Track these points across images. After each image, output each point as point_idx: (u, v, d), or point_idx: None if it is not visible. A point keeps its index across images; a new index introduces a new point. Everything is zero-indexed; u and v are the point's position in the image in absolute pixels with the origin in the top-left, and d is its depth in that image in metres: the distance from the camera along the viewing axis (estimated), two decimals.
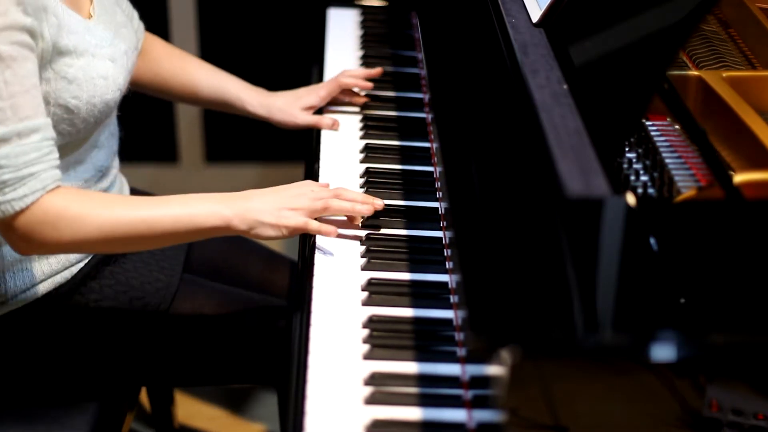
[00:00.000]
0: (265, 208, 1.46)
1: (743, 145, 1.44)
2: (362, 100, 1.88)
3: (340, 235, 1.54)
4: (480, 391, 1.23)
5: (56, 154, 1.40)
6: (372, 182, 1.67)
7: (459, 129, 1.47)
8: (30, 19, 1.36)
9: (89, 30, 1.50)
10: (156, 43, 1.85)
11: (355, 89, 1.87)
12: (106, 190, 1.64)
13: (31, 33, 1.37)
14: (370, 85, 1.88)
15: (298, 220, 1.47)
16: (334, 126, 1.82)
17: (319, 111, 1.87)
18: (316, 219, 1.50)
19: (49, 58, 1.41)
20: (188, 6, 2.94)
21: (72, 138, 1.51)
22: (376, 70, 1.89)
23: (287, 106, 1.84)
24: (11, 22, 1.34)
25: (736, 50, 1.72)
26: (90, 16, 1.54)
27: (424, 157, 1.75)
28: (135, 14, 1.77)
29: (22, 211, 1.37)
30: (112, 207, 1.42)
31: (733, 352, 1.08)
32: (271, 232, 1.46)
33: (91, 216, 1.40)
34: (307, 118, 1.83)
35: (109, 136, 1.64)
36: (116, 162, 1.69)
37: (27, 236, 1.39)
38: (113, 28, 1.57)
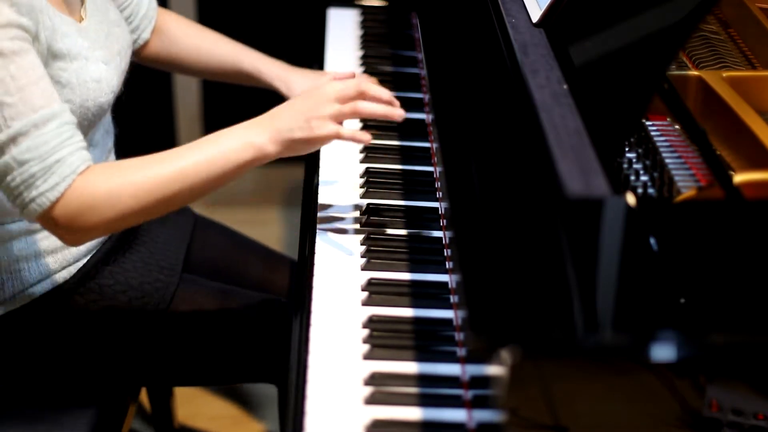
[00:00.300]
0: (294, 123, 1.42)
1: (743, 145, 1.44)
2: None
3: (339, 237, 1.54)
4: (480, 391, 1.23)
5: (80, 136, 1.38)
6: (372, 182, 1.67)
7: (459, 129, 1.47)
8: (25, 18, 1.35)
9: (81, 33, 1.49)
10: (172, 20, 1.84)
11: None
12: None
13: (27, 30, 1.36)
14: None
15: (330, 128, 1.42)
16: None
17: None
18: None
19: (44, 61, 1.41)
20: (188, 6, 2.94)
21: None
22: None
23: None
24: (7, 21, 1.33)
25: (736, 50, 1.72)
26: (82, 19, 1.53)
27: (424, 157, 1.75)
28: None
29: (58, 200, 1.35)
30: (141, 169, 1.39)
31: (733, 352, 1.08)
32: (307, 147, 1.43)
33: (124, 186, 1.37)
34: None
35: (104, 134, 1.64)
36: (112, 159, 1.69)
37: (70, 225, 1.37)
38: (105, 28, 1.57)
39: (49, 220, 1.37)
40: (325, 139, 1.43)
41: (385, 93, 1.49)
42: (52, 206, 1.35)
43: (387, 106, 1.48)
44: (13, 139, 1.33)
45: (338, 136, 1.44)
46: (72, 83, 1.45)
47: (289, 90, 1.81)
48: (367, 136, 1.47)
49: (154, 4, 1.81)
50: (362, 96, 1.46)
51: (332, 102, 1.44)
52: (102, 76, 1.50)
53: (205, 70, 1.86)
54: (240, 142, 1.41)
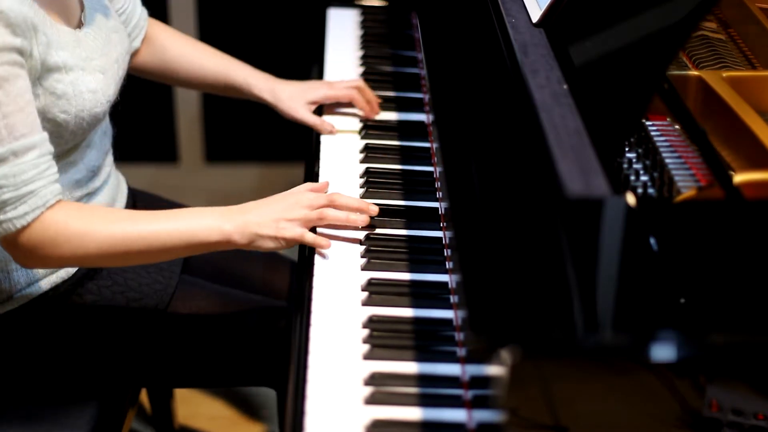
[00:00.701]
0: (263, 220, 1.47)
1: (743, 145, 1.44)
2: (372, 116, 1.87)
3: (339, 237, 1.54)
4: (480, 391, 1.23)
5: (55, 169, 1.41)
6: (372, 182, 1.67)
7: (459, 129, 1.47)
8: (19, 39, 1.36)
9: (79, 43, 1.49)
10: (161, 30, 1.85)
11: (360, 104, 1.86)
12: (98, 188, 1.63)
13: (21, 52, 1.37)
14: (375, 113, 1.86)
15: (295, 231, 1.48)
16: (332, 132, 1.82)
17: (319, 108, 1.87)
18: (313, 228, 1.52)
19: (37, 75, 1.42)
20: (188, 6, 2.94)
21: (59, 148, 1.51)
22: (377, 110, 1.87)
23: (293, 97, 1.84)
24: (2, 44, 1.34)
25: (736, 50, 1.72)
26: (81, 25, 1.53)
27: (424, 157, 1.75)
28: (138, 5, 1.77)
29: (24, 228, 1.38)
30: (111, 223, 1.43)
31: (733, 352, 1.08)
32: (270, 244, 1.48)
33: (91, 232, 1.41)
34: (307, 117, 1.83)
35: (101, 135, 1.64)
36: (109, 160, 1.69)
37: (29, 253, 1.41)
38: (104, 35, 1.57)
39: (9, 243, 1.41)
40: (289, 241, 1.49)
41: (354, 202, 1.55)
42: (16, 233, 1.39)
43: (354, 213, 1.55)
44: None
45: (302, 240, 1.50)
46: (68, 94, 1.46)
47: (276, 99, 1.84)
48: (327, 243, 1.51)
49: (146, 14, 1.81)
50: (331, 204, 1.53)
51: (303, 208, 1.50)
52: (98, 86, 1.51)
53: (195, 81, 1.88)
54: (209, 224, 1.46)
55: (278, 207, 1.49)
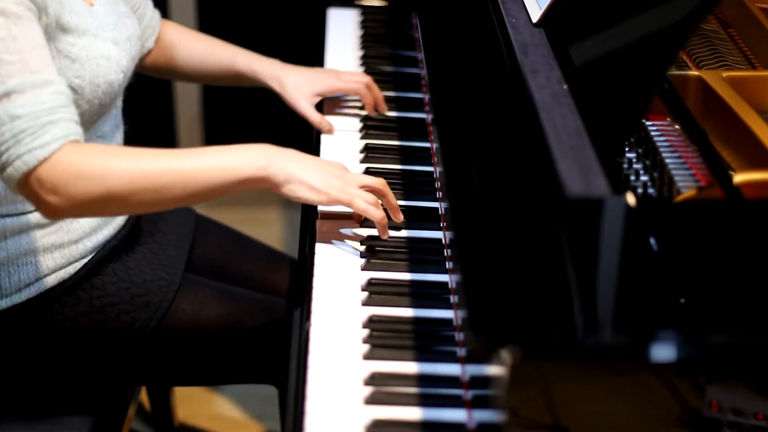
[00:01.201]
0: (303, 168, 1.41)
1: (743, 145, 1.44)
2: (383, 109, 1.87)
3: (339, 236, 1.54)
4: (480, 391, 1.23)
5: (74, 109, 1.36)
6: None
7: (459, 129, 1.47)
8: None
9: (91, 13, 1.50)
10: (169, 28, 1.85)
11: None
12: None
13: (35, 4, 1.36)
14: (383, 110, 1.86)
15: (349, 193, 1.43)
16: (329, 131, 1.82)
17: (320, 104, 1.87)
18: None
19: (52, 34, 1.41)
20: (188, 6, 2.94)
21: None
22: (383, 107, 1.87)
23: (299, 87, 1.81)
24: None
25: (736, 50, 1.72)
26: (92, 5, 1.54)
27: (424, 157, 1.75)
28: (150, 5, 1.77)
29: (46, 160, 1.31)
30: (141, 157, 1.36)
31: (733, 352, 1.08)
32: (308, 194, 1.41)
33: (121, 167, 1.34)
34: (308, 112, 1.81)
35: (113, 128, 1.64)
36: None
37: (55, 190, 1.32)
38: (115, 16, 1.57)
39: (33, 182, 1.32)
40: (333, 198, 1.43)
41: (378, 216, 1.48)
42: (38, 166, 1.31)
43: (383, 219, 1.49)
44: (7, 94, 1.31)
45: (350, 204, 1.44)
46: (81, 58, 1.45)
47: (282, 88, 1.81)
48: (382, 217, 1.47)
49: (158, 14, 1.81)
50: (384, 195, 1.48)
51: (342, 182, 1.44)
52: (112, 54, 1.50)
53: (203, 74, 1.87)
54: (245, 158, 1.39)
55: (335, 168, 1.44)
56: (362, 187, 1.47)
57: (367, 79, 1.85)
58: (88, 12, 1.49)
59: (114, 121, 1.64)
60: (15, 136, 1.31)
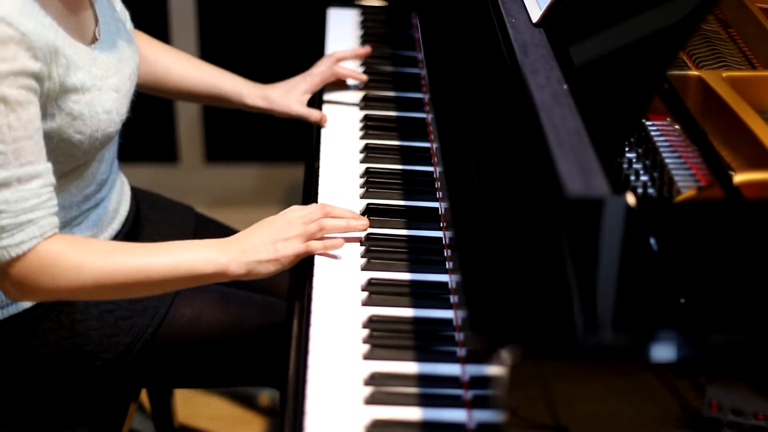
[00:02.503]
0: (260, 244, 1.46)
1: (743, 145, 1.44)
2: (362, 77, 1.92)
3: (339, 237, 1.54)
4: (480, 391, 1.23)
5: (55, 201, 1.39)
6: (372, 182, 1.67)
7: (459, 129, 1.47)
8: (39, 64, 1.35)
9: (94, 61, 1.49)
10: (146, 41, 1.85)
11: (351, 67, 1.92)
12: (104, 198, 1.64)
13: (38, 77, 1.36)
14: (364, 77, 1.92)
15: (297, 247, 1.47)
16: (322, 121, 1.85)
17: (313, 100, 1.89)
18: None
19: (54, 96, 1.41)
20: (188, 6, 2.94)
21: (70, 166, 1.51)
22: (366, 49, 1.95)
23: (284, 96, 1.87)
24: (20, 68, 1.33)
25: (736, 50, 1.72)
26: (95, 39, 1.53)
27: (424, 157, 1.75)
28: (128, 19, 1.77)
29: (18, 257, 1.36)
30: (108, 255, 1.41)
31: (733, 352, 1.08)
32: (271, 268, 1.46)
33: (88, 264, 1.39)
34: (302, 109, 1.86)
35: (110, 147, 1.65)
36: (115, 167, 1.70)
37: (21, 283, 1.38)
38: (117, 52, 1.57)
39: (1, 272, 1.38)
40: (291, 258, 1.47)
41: (347, 211, 1.53)
42: (10, 261, 1.36)
43: (353, 219, 1.53)
44: None
45: (308, 252, 1.48)
46: (84, 115, 1.45)
47: (270, 104, 1.87)
48: (339, 242, 1.51)
49: (131, 26, 1.81)
50: (327, 215, 1.51)
51: (299, 225, 1.48)
52: (113, 106, 1.51)
53: (185, 93, 1.89)
54: (205, 257, 1.44)
55: (273, 229, 1.48)
56: (303, 222, 1.49)
57: (334, 55, 1.92)
58: (92, 61, 1.48)
59: (113, 147, 1.65)
60: None
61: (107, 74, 1.51)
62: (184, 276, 1.43)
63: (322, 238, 1.50)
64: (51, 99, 1.41)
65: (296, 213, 1.50)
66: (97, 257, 1.40)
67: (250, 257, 1.45)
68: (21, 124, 1.34)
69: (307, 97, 1.88)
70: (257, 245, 1.45)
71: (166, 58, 1.86)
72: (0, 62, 1.31)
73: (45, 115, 1.41)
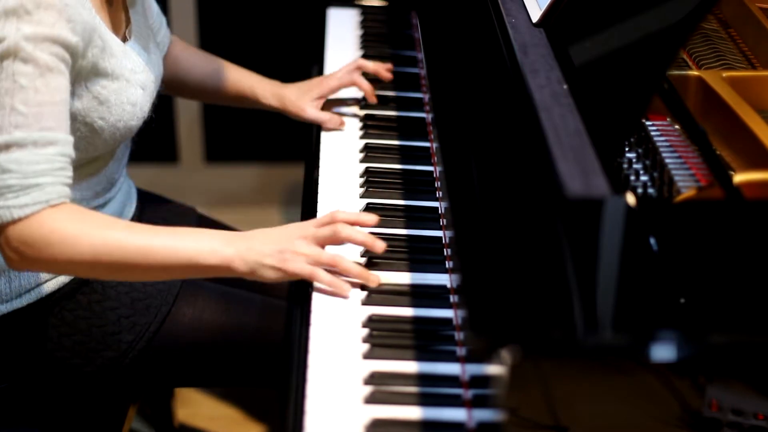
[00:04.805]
0: (267, 248, 1.41)
1: (743, 145, 1.44)
2: (374, 100, 1.89)
3: None
4: (480, 391, 1.23)
5: (70, 172, 1.37)
6: (372, 182, 1.67)
7: (459, 129, 1.47)
8: (77, 38, 1.35)
9: (126, 54, 1.51)
10: (176, 43, 1.87)
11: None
12: (112, 198, 1.64)
13: (73, 52, 1.36)
14: (375, 100, 1.88)
15: (303, 267, 1.41)
16: (340, 126, 1.83)
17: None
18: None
19: (85, 75, 1.41)
20: (188, 5, 2.94)
21: (88, 155, 1.51)
22: (388, 67, 1.90)
23: (299, 98, 1.85)
24: (56, 36, 1.33)
25: (736, 50, 1.72)
26: (126, 39, 1.54)
27: (424, 157, 1.75)
28: (164, 24, 1.78)
29: (20, 220, 1.33)
30: (109, 230, 1.38)
31: (733, 352, 1.08)
32: (272, 274, 1.41)
33: (87, 237, 1.35)
34: (316, 114, 1.84)
35: (123, 149, 1.66)
36: (124, 169, 1.71)
37: (19, 249, 1.35)
38: (146, 54, 1.58)
39: (2, 234, 1.34)
40: (292, 274, 1.41)
41: (361, 235, 1.45)
42: (11, 223, 1.33)
43: (367, 237, 1.45)
44: (7, 145, 1.32)
45: (311, 277, 1.42)
46: (110, 102, 1.46)
47: (283, 105, 1.86)
48: (347, 289, 1.43)
49: (169, 33, 1.82)
50: (339, 233, 1.43)
51: (310, 243, 1.42)
52: (138, 100, 1.51)
53: (203, 93, 1.90)
54: (210, 247, 1.39)
55: (284, 236, 1.42)
56: (316, 240, 1.43)
57: (358, 62, 1.88)
58: (124, 53, 1.49)
59: (126, 143, 1.66)
60: None
61: (136, 69, 1.52)
62: (185, 264, 1.39)
63: (333, 272, 1.44)
64: (81, 78, 1.41)
65: (311, 231, 1.44)
66: (96, 230, 1.36)
67: (255, 258, 1.41)
68: (48, 90, 1.33)
69: (322, 101, 1.86)
70: (265, 248, 1.41)
71: (189, 59, 1.87)
72: (39, 25, 1.31)
73: (72, 94, 1.41)
